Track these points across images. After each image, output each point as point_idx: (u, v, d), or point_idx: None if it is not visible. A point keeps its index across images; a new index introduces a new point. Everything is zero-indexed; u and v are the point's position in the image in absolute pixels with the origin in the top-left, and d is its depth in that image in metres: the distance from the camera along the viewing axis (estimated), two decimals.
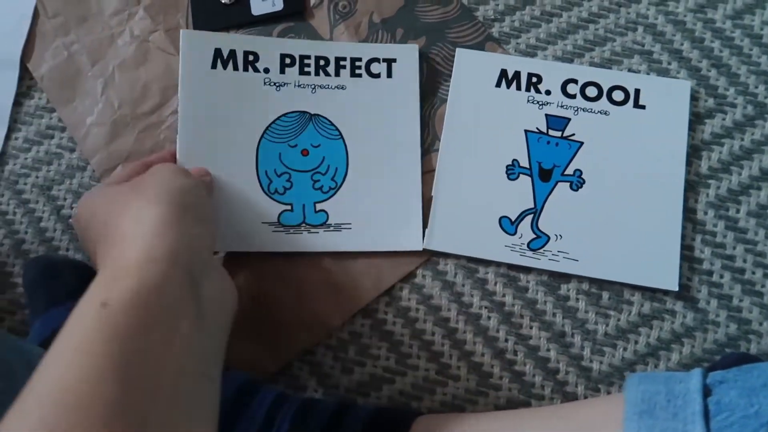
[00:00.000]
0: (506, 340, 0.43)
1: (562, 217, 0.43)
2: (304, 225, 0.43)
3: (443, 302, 0.43)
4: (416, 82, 0.45)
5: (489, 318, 0.43)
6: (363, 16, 0.48)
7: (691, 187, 0.44)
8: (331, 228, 0.43)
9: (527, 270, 0.43)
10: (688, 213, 0.44)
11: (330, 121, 0.45)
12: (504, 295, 0.43)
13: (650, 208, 0.43)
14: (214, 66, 0.44)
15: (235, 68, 0.44)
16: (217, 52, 0.44)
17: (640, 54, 0.47)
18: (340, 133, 0.44)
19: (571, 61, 0.47)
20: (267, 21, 0.48)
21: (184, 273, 0.29)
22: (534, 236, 0.43)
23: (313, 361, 0.43)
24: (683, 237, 0.43)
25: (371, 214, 0.44)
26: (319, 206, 0.44)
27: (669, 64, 0.46)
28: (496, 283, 0.43)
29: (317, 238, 0.43)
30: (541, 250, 0.43)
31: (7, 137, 0.47)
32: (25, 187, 0.47)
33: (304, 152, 0.44)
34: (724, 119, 0.45)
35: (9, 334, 0.35)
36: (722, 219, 0.44)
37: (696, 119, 0.45)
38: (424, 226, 0.44)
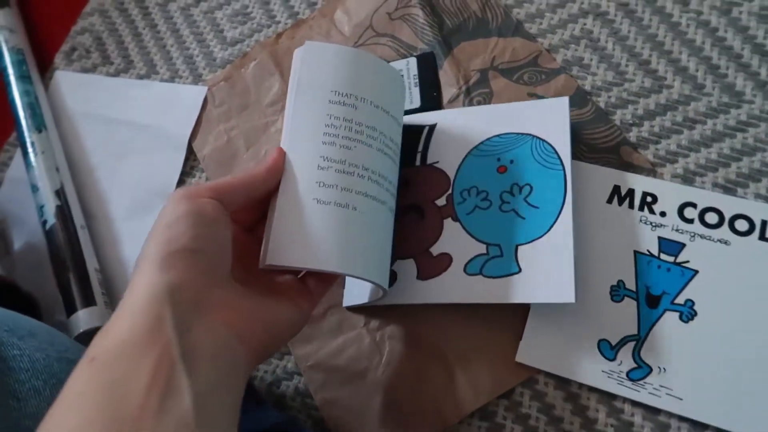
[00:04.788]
0: None
1: (668, 348, 0.40)
2: None
3: (566, 414, 0.42)
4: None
5: None
6: None
7: None
8: None
9: None
10: None
11: None
12: (633, 415, 0.41)
13: None
14: None
15: None
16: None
17: None
18: None
19: (715, 170, 0.45)
20: None
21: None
22: (635, 365, 0.40)
23: None
24: None
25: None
26: None
27: None
28: (624, 401, 0.41)
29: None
30: (641, 382, 0.40)
31: None
32: None
33: None
34: None
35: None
36: None
37: None
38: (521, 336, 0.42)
